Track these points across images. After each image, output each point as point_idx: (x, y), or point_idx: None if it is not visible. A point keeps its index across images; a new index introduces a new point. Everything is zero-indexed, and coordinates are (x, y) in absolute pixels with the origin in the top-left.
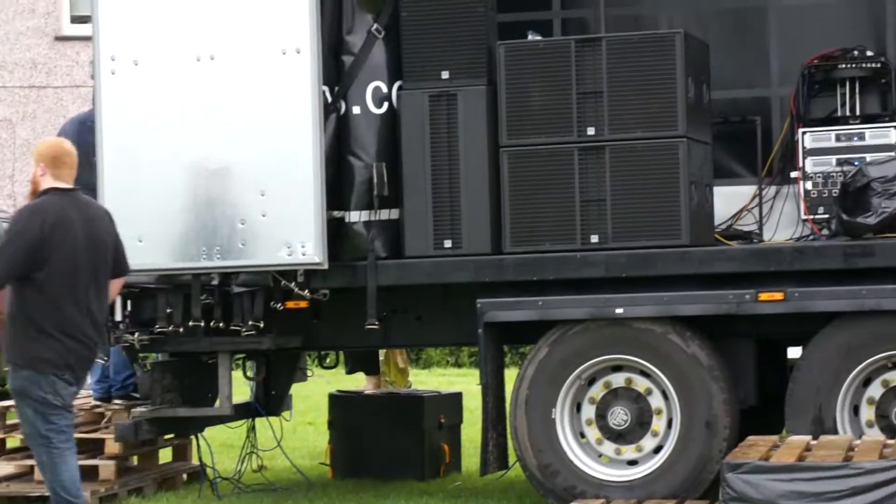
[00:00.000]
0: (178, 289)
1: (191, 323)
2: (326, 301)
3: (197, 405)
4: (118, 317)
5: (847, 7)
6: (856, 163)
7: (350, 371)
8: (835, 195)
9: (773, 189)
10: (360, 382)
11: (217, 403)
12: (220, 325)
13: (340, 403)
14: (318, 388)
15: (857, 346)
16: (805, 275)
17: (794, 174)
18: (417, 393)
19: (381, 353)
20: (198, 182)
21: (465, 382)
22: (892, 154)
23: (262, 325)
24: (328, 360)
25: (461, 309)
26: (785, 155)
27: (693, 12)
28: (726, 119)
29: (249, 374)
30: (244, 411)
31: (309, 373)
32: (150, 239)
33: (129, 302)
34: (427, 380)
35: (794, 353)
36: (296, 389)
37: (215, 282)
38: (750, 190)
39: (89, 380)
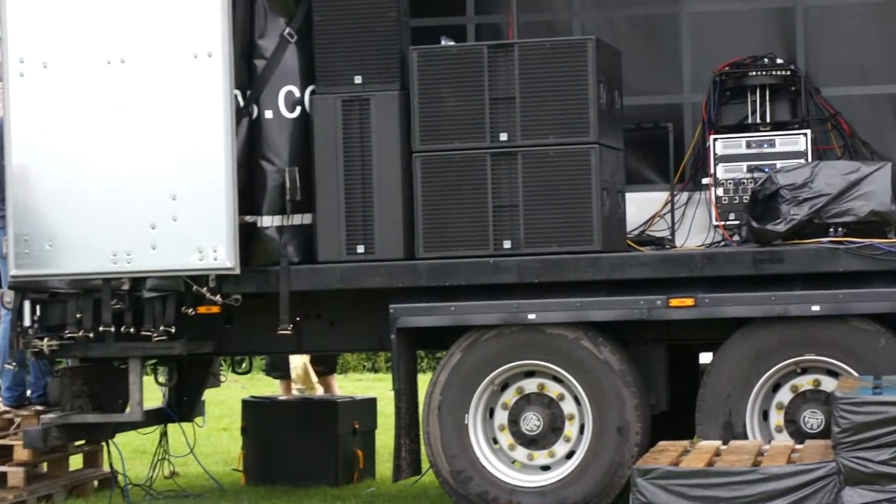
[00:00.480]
0: (88, 293)
1: (101, 328)
2: (239, 306)
3: (108, 411)
4: (27, 322)
5: (757, 15)
6: (766, 170)
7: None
8: (745, 202)
9: (685, 195)
10: (275, 388)
11: (128, 409)
12: (131, 330)
13: (254, 409)
14: (233, 393)
15: (766, 352)
16: (716, 281)
17: (705, 180)
18: (331, 398)
19: (295, 358)
20: (108, 186)
21: (381, 387)
22: (802, 161)
23: (173, 331)
24: (242, 366)
25: (374, 314)
26: (697, 161)
27: (606, 19)
28: (639, 125)
29: (161, 379)
30: (156, 417)
31: (222, 378)
32: (60, 243)
33: (38, 307)
34: (344, 385)
35: (705, 358)
36: (210, 395)
37: (126, 286)
38: (662, 196)
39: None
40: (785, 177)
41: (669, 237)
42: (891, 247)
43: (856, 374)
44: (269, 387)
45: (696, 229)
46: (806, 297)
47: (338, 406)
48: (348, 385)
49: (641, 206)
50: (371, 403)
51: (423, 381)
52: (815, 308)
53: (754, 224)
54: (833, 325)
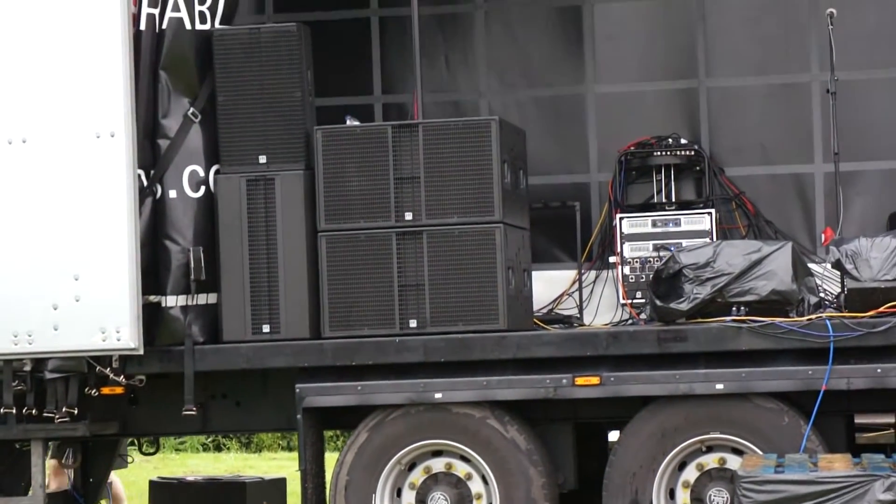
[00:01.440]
0: None
1: (2, 410)
2: (144, 386)
3: (10, 494)
4: None
5: (662, 96)
6: (672, 248)
7: None
8: (649, 281)
9: (593, 273)
10: (185, 467)
11: (31, 492)
12: (34, 411)
13: (161, 490)
14: (145, 473)
15: (672, 430)
16: (621, 359)
17: (612, 259)
18: (240, 479)
19: None
20: (9, 266)
21: (295, 466)
22: (704, 241)
23: (76, 412)
24: (148, 447)
25: (281, 394)
26: (604, 240)
27: (512, 99)
28: (546, 204)
29: (65, 461)
30: (61, 499)
31: (129, 459)
32: None
33: None
34: (257, 464)
35: (614, 436)
36: (121, 475)
37: (28, 367)
38: (571, 274)
39: None
40: (688, 256)
41: (578, 315)
42: (792, 325)
43: (760, 452)
44: (181, 467)
45: (604, 307)
46: (710, 375)
47: (246, 487)
48: (262, 464)
49: (550, 284)
50: (281, 483)
51: (331, 460)
52: (720, 386)
53: (658, 302)
54: (737, 403)
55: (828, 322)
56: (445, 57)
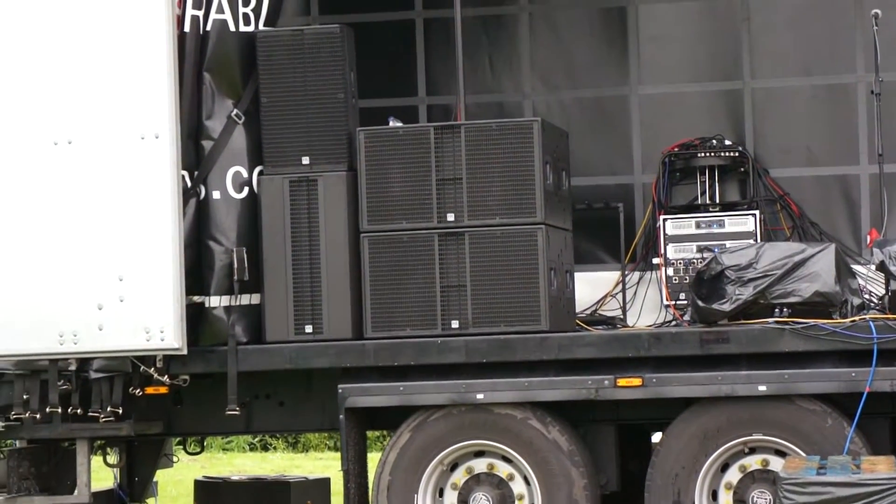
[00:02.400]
0: (35, 374)
1: (48, 409)
2: (188, 386)
3: (55, 493)
4: None
5: (706, 97)
6: (715, 249)
7: None
8: (690, 282)
9: (636, 275)
10: (232, 467)
11: (76, 491)
12: (79, 411)
13: (206, 489)
14: (191, 472)
15: (714, 432)
16: (664, 360)
17: (656, 260)
18: (284, 478)
19: None
20: (55, 267)
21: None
22: (748, 242)
23: (120, 411)
24: (193, 446)
25: (324, 394)
26: (647, 241)
27: (557, 100)
28: (590, 205)
29: (110, 460)
30: (106, 499)
31: (175, 458)
32: (6, 324)
33: None
34: (303, 463)
35: (657, 437)
36: (168, 475)
37: (73, 367)
38: (614, 275)
39: None
40: (730, 257)
41: (621, 317)
42: (835, 327)
43: (803, 453)
44: (228, 466)
45: (647, 308)
46: (752, 376)
47: (290, 486)
48: (308, 464)
49: (593, 285)
50: (325, 483)
51: (374, 460)
52: (762, 388)
53: (700, 303)
54: (780, 405)
55: (871, 324)
56: (489, 58)
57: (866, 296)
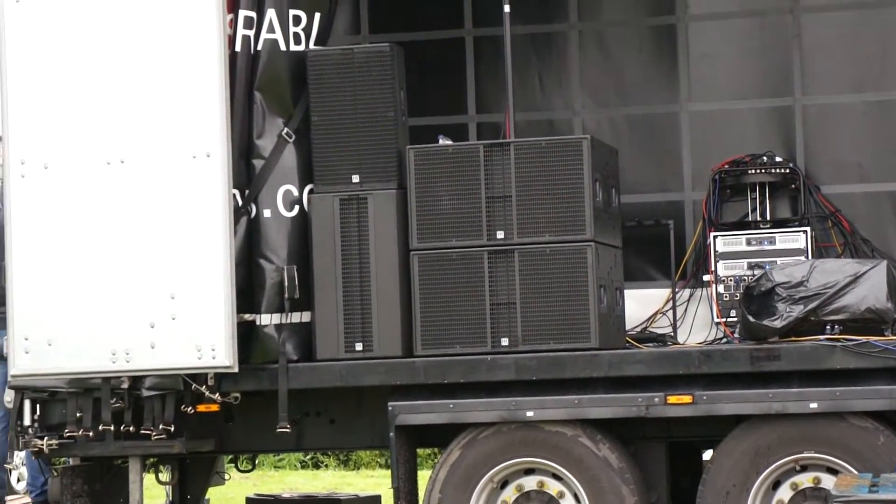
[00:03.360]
0: (88, 392)
1: (100, 427)
2: (239, 404)
3: None
4: (27, 421)
5: (757, 114)
6: (766, 266)
7: None
8: (739, 299)
9: (686, 292)
10: (283, 484)
11: None
12: (131, 428)
13: None
14: (243, 490)
15: (765, 449)
16: (714, 377)
17: (706, 277)
18: (336, 496)
19: None
20: (108, 285)
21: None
22: (798, 259)
23: (172, 429)
24: (244, 464)
25: (374, 411)
26: (698, 258)
27: (606, 118)
28: (640, 222)
29: (163, 478)
30: None
31: (227, 476)
32: (59, 342)
33: (38, 406)
34: (354, 481)
35: (708, 455)
36: (219, 492)
37: (125, 385)
38: (665, 293)
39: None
40: (780, 274)
41: (671, 334)
42: (887, 344)
43: (855, 471)
44: (279, 484)
45: (697, 326)
46: (803, 394)
47: (341, 503)
48: (359, 481)
49: (643, 302)
50: (376, 500)
51: (425, 478)
52: (813, 405)
53: (750, 320)
54: (831, 422)
55: None
56: (539, 75)
57: None
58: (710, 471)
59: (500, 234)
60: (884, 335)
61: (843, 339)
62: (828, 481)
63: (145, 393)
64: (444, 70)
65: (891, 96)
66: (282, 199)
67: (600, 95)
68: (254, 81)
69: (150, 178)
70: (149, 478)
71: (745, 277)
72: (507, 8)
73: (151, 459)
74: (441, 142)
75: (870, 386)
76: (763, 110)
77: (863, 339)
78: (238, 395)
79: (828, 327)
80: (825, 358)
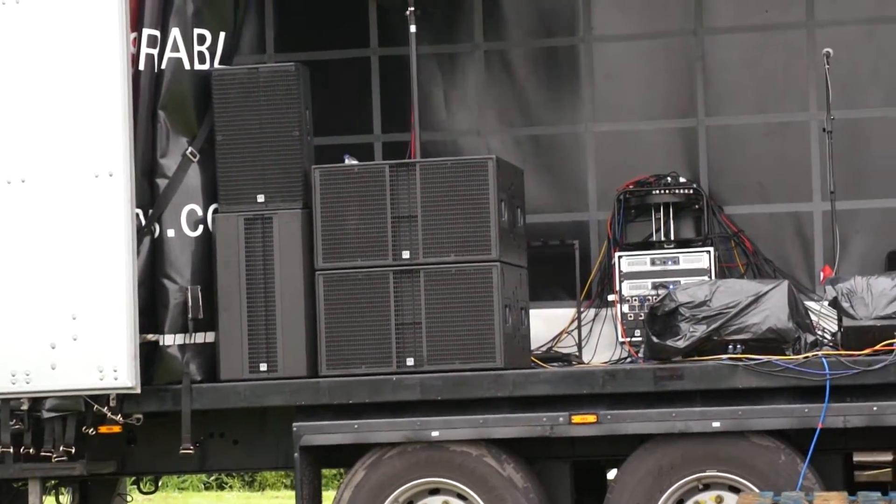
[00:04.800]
0: None
1: (0, 449)
2: (141, 425)
3: None
4: None
5: (661, 135)
6: (670, 286)
7: None
8: (643, 319)
9: (592, 312)
10: None
11: None
12: (31, 450)
13: None
14: None
15: (669, 468)
16: (618, 397)
17: (611, 297)
18: None
19: None
20: (8, 306)
21: None
22: (701, 279)
23: (73, 451)
24: (147, 485)
25: (278, 432)
26: (603, 278)
27: (511, 138)
28: (545, 243)
29: (63, 500)
30: None
31: (129, 498)
32: None
33: None
34: (259, 502)
35: (612, 474)
36: None
37: (25, 406)
38: (570, 312)
39: None
40: (684, 294)
41: (576, 353)
42: (788, 363)
43: (756, 489)
44: None
45: (602, 345)
46: (706, 413)
47: None
48: (263, 502)
49: (549, 322)
50: None
51: (329, 498)
52: (716, 424)
53: (654, 340)
54: (734, 441)
55: (824, 360)
56: (444, 96)
57: (819, 332)
58: (614, 490)
59: (406, 254)
60: (785, 354)
61: (746, 358)
62: (730, 500)
63: (46, 414)
64: (350, 89)
65: (792, 118)
66: (186, 219)
67: (505, 116)
68: (158, 100)
69: (51, 198)
70: (49, 500)
71: (650, 297)
72: (412, 28)
73: (52, 482)
74: (347, 161)
75: (771, 405)
76: (667, 131)
77: (764, 358)
78: (141, 416)
79: (730, 347)
80: (728, 377)
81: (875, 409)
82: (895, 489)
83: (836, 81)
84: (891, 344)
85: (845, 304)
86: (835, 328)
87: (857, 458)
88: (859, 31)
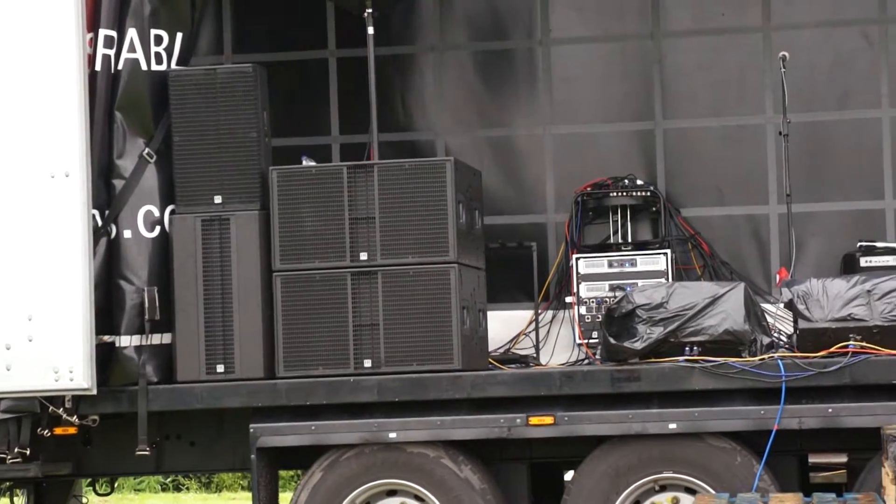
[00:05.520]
0: None
1: None
2: (98, 427)
3: None
4: None
5: (619, 137)
6: (627, 288)
7: None
8: (601, 320)
9: (549, 313)
10: None
11: None
12: None
13: None
14: None
15: (625, 470)
16: (576, 399)
17: (568, 299)
18: None
19: None
20: None
21: None
22: (658, 281)
23: (28, 452)
24: (103, 487)
25: (235, 434)
26: (561, 280)
27: (469, 139)
28: (503, 244)
29: (18, 502)
30: None
31: (84, 500)
32: None
33: None
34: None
35: (570, 475)
36: None
37: None
38: (527, 314)
39: None
40: (641, 296)
41: (534, 355)
42: (745, 365)
43: (712, 491)
44: None
45: (560, 347)
46: (663, 415)
47: None
48: None
49: (506, 324)
50: None
51: (286, 499)
52: (672, 426)
53: (611, 342)
54: (690, 442)
55: (780, 362)
56: (402, 97)
57: (775, 334)
58: (571, 491)
59: (364, 256)
60: (741, 356)
61: (702, 360)
62: (686, 501)
63: (0, 416)
64: (308, 91)
65: (749, 121)
66: (142, 220)
67: (464, 117)
68: (114, 101)
69: (7, 198)
70: (3, 502)
71: (607, 299)
72: (370, 30)
73: (6, 483)
74: (304, 163)
75: (727, 407)
76: (625, 134)
77: (721, 360)
78: (96, 417)
79: (687, 349)
80: (684, 379)
81: (830, 410)
82: (850, 490)
83: (793, 85)
84: (846, 346)
85: (801, 307)
86: (790, 330)
87: (813, 459)
88: (815, 35)
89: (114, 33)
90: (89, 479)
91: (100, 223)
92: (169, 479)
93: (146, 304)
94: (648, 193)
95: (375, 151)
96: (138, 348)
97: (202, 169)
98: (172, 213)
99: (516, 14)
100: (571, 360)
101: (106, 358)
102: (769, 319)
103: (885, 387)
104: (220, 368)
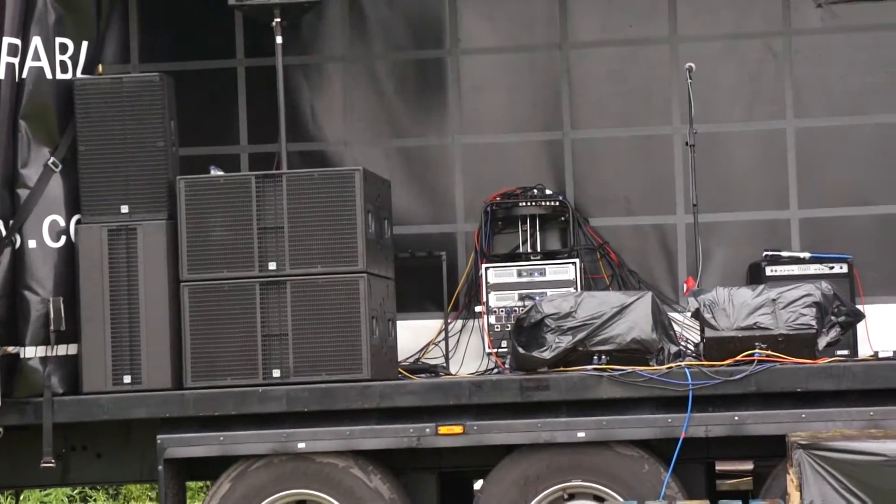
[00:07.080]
0: None
1: None
2: (2, 439)
3: None
4: None
5: (528, 147)
6: (536, 298)
7: None
8: (510, 330)
9: (459, 323)
10: None
11: None
12: None
13: None
14: None
15: (534, 478)
16: (485, 408)
17: (478, 308)
18: None
19: None
20: None
21: None
22: (566, 290)
23: None
24: (8, 499)
25: (143, 445)
26: (470, 289)
27: (378, 149)
28: (412, 254)
29: None
30: None
31: None
32: None
33: None
34: None
35: (479, 485)
36: None
37: None
38: (437, 323)
39: None
40: (549, 306)
41: (444, 365)
42: (652, 374)
43: (621, 499)
44: None
45: (470, 356)
46: (571, 423)
47: None
48: None
49: (416, 333)
50: None
51: None
52: (581, 434)
53: (520, 351)
54: (598, 451)
55: (687, 370)
56: (311, 106)
57: (683, 343)
58: (480, 500)
59: (273, 265)
60: (649, 365)
61: (610, 369)
62: None
63: None
64: (216, 100)
65: (656, 131)
66: (48, 230)
67: (373, 127)
68: (19, 110)
69: None
70: None
71: (516, 308)
72: (279, 39)
73: None
74: (213, 172)
75: (635, 415)
76: (533, 143)
77: (628, 368)
78: (1, 429)
79: (595, 357)
80: (592, 388)
81: (736, 418)
82: (756, 497)
83: (699, 96)
84: (751, 354)
85: (707, 316)
86: (697, 339)
87: (720, 467)
88: (720, 47)
89: (18, 41)
90: None
91: (4, 233)
92: (76, 491)
93: (51, 315)
94: (557, 203)
95: (284, 161)
96: (43, 359)
97: (108, 178)
98: (78, 222)
99: (426, 23)
100: (481, 370)
101: (10, 369)
102: (676, 328)
103: (790, 395)
104: (127, 379)
